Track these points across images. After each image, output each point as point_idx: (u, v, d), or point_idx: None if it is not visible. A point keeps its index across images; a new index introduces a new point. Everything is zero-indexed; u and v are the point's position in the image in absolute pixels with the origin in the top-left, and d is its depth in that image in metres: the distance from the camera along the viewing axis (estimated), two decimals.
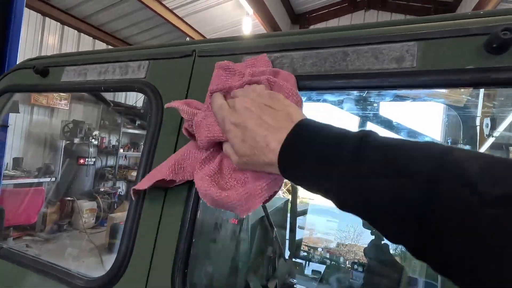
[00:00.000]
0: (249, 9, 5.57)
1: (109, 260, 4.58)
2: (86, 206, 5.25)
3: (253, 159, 0.43)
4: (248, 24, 5.77)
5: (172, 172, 0.55)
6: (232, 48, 0.66)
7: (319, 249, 3.17)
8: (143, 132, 6.72)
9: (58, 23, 5.40)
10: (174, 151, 0.65)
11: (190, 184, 0.60)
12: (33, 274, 0.71)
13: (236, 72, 0.57)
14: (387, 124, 1.98)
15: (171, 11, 5.46)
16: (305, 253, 3.15)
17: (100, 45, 6.18)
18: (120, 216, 4.93)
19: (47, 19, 5.21)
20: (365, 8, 7.19)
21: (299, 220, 3.42)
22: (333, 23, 7.45)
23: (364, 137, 0.36)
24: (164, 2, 5.24)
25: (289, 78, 0.54)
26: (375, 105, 1.70)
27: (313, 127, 0.41)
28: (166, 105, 0.60)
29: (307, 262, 3.04)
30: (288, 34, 0.63)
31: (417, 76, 0.50)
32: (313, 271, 2.84)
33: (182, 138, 0.65)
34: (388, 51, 0.52)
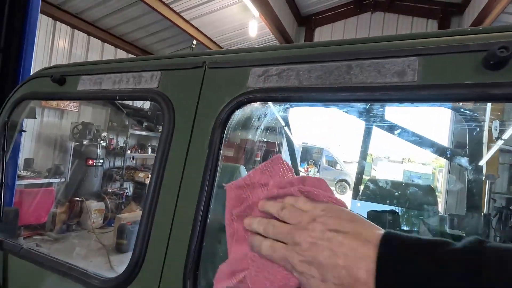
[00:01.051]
0: (255, 12, 5.62)
1: (116, 260, 4.66)
2: (94, 206, 5.35)
3: None
4: (254, 27, 5.81)
5: None
6: (241, 60, 0.70)
7: None
8: (150, 134, 6.81)
9: (69, 27, 5.52)
10: (186, 160, 0.68)
11: (201, 186, 0.64)
12: (51, 274, 0.75)
13: (253, 185, 0.49)
14: (393, 128, 1.99)
15: (178, 14, 5.54)
16: None
17: (109, 48, 6.30)
18: (127, 216, 5.01)
19: (57, 23, 5.33)
20: (371, 10, 7.17)
21: None
22: (339, 25, 7.45)
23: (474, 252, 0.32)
24: (171, 6, 5.32)
25: (319, 183, 0.46)
26: (380, 109, 1.72)
27: (399, 244, 0.36)
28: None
29: None
30: (294, 47, 0.66)
31: (418, 90, 0.52)
32: None
33: (194, 146, 0.69)
34: (390, 66, 0.55)
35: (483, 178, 4.92)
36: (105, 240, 5.15)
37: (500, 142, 4.76)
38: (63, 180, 5.16)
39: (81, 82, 0.90)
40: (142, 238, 0.66)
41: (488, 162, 4.90)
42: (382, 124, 1.98)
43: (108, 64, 0.89)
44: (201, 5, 5.49)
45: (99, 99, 0.83)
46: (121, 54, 6.60)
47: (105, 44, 6.20)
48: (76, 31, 5.69)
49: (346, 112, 1.79)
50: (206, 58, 0.74)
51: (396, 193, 1.48)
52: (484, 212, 5.20)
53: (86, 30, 5.80)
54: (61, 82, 0.93)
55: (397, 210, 1.42)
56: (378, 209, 1.42)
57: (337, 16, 7.48)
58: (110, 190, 5.80)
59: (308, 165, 13.32)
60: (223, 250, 1.76)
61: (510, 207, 5.40)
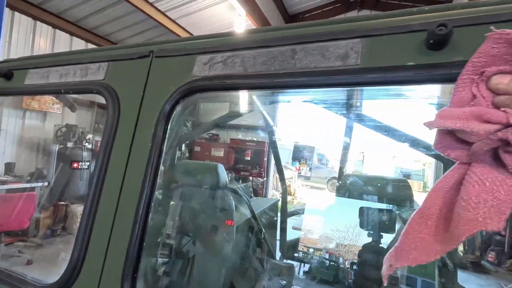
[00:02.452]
0: (241, 11, 5.57)
1: None
2: (80, 210, 5.22)
3: None
4: (241, 26, 5.77)
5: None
6: (188, 48, 0.66)
7: (311, 249, 3.15)
8: None
9: (50, 27, 5.38)
10: (129, 156, 0.64)
11: (141, 190, 0.59)
12: None
13: None
14: (372, 123, 1.97)
15: (163, 13, 5.46)
16: (303, 254, 3.12)
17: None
18: None
19: (38, 22, 5.19)
20: (358, 8, 7.20)
21: (296, 221, 3.39)
22: None
23: None
24: (156, 5, 5.23)
25: None
26: (358, 104, 1.69)
27: None
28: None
29: (304, 263, 3.01)
30: (240, 34, 0.62)
31: (361, 73, 0.49)
32: (304, 272, 2.82)
33: (137, 141, 0.64)
34: (334, 49, 0.52)
35: None
36: None
37: None
38: (46, 184, 5.02)
39: (28, 76, 0.85)
40: (81, 241, 0.61)
41: None
42: (367, 121, 1.96)
43: (56, 57, 0.84)
44: (187, 3, 5.43)
45: (44, 94, 0.78)
46: None
47: (89, 44, 6.07)
48: (58, 31, 5.56)
49: (336, 111, 1.77)
50: (153, 48, 0.70)
51: (373, 188, 1.46)
52: None
53: (69, 30, 5.66)
54: (8, 76, 0.88)
55: (389, 207, 1.41)
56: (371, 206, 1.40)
57: (325, 14, 7.49)
58: None
59: (300, 164, 13.35)
60: (197, 250, 1.69)
61: None
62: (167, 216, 1.87)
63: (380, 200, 1.42)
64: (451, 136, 0.36)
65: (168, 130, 0.62)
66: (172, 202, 1.89)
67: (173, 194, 1.92)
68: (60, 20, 5.45)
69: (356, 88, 0.50)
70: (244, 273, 1.99)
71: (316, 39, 0.53)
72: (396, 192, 1.35)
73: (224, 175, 1.86)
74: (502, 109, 0.33)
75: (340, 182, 1.66)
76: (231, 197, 1.86)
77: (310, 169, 13.05)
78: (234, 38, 0.62)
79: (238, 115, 2.09)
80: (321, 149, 13.73)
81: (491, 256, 5.12)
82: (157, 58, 0.69)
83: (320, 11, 7.58)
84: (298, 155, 13.32)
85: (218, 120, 2.08)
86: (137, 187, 0.60)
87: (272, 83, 0.55)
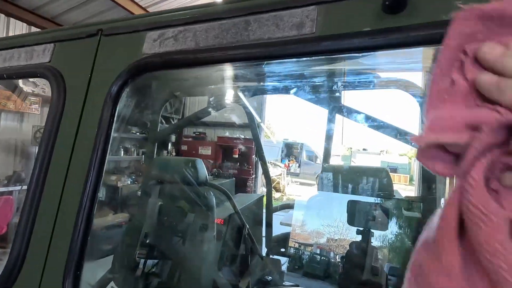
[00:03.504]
0: None
1: (88, 268, 4.41)
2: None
3: None
4: None
5: None
6: (137, 25, 0.60)
7: (295, 244, 3.13)
8: (123, 135, 6.54)
9: (24, 24, 5.16)
10: (75, 141, 0.58)
11: (84, 186, 0.54)
12: None
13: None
14: (355, 114, 1.96)
15: (145, 10, 5.32)
16: (294, 250, 3.09)
17: None
18: (98, 222, 4.76)
19: (11, 19, 4.96)
20: None
21: (285, 216, 3.36)
22: None
23: None
24: (137, 0, 5.10)
25: None
26: (337, 94, 1.67)
27: None
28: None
29: (293, 259, 2.98)
30: (191, 8, 0.57)
31: (316, 42, 0.45)
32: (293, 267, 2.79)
33: (84, 126, 0.59)
34: (289, 18, 0.48)
35: None
36: None
37: None
38: (25, 187, 4.82)
39: None
40: (21, 238, 0.55)
41: None
42: (354, 112, 1.95)
43: (1, 41, 0.77)
44: None
45: None
46: None
47: (32, 27, 5.80)
48: (33, 28, 5.33)
49: (325, 106, 1.74)
50: (102, 26, 0.64)
51: (353, 179, 1.44)
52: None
53: (44, 27, 5.44)
54: None
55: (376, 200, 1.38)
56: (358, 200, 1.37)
57: None
58: None
59: (289, 160, 13.39)
60: (179, 247, 1.64)
61: None
62: (145, 215, 1.80)
63: (360, 191, 1.40)
64: (437, 146, 0.30)
65: (116, 113, 0.57)
66: (150, 200, 1.83)
67: (151, 192, 1.86)
68: (35, 17, 5.23)
69: (312, 57, 0.46)
70: (227, 270, 1.95)
71: (270, 9, 0.49)
72: (376, 182, 1.34)
73: (203, 171, 1.80)
74: (489, 105, 0.27)
75: (322, 175, 1.64)
76: (212, 193, 1.81)
77: (299, 165, 13.11)
78: (185, 12, 0.57)
79: (216, 108, 2.04)
80: (310, 145, 13.82)
81: None
82: (106, 37, 0.63)
83: None
84: (287, 152, 13.35)
85: (199, 113, 2.03)
86: (81, 178, 0.55)
87: (225, 56, 0.51)
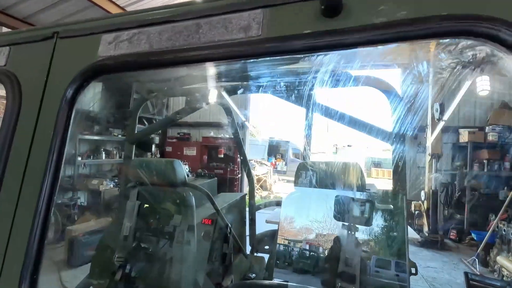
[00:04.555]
0: None
1: (69, 276, 4.29)
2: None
3: None
4: None
5: None
6: (92, 28, 0.60)
7: (281, 238, 3.16)
8: (104, 138, 6.39)
9: None
10: (31, 145, 0.58)
11: (39, 190, 0.54)
12: None
13: None
14: (330, 112, 2.00)
15: (123, 9, 5.21)
16: (283, 246, 3.11)
17: None
18: (80, 228, 4.65)
19: None
20: None
21: (271, 214, 3.38)
22: None
23: None
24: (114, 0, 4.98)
25: None
26: (311, 92, 1.71)
27: None
28: None
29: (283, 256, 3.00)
30: (147, 11, 0.58)
31: (262, 44, 0.47)
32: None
33: (40, 130, 0.58)
34: (237, 21, 0.49)
35: (429, 157, 5.29)
36: (57, 255, 4.74)
37: (441, 123, 5.14)
38: None
39: None
40: None
41: (432, 143, 5.28)
42: (327, 110, 1.98)
43: None
44: None
45: None
46: None
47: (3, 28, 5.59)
48: (4, 28, 5.11)
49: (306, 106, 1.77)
50: (58, 29, 0.64)
51: (328, 174, 1.48)
52: (432, 188, 5.60)
53: (15, 27, 5.23)
54: None
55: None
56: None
57: None
58: (60, 202, 5.35)
59: (276, 158, 13.46)
60: (155, 249, 1.62)
61: (454, 182, 5.89)
62: (124, 218, 1.78)
63: (335, 185, 1.44)
64: None
65: (72, 117, 0.57)
66: (129, 202, 1.81)
67: (130, 194, 1.84)
68: (6, 17, 5.02)
69: (259, 59, 0.48)
70: (210, 270, 1.96)
71: (220, 12, 0.51)
72: (349, 176, 1.38)
73: (182, 171, 1.80)
74: None
75: (300, 172, 1.68)
76: (191, 194, 1.81)
77: (286, 163, 13.21)
78: (140, 15, 0.58)
79: (194, 109, 2.03)
80: (296, 143, 13.94)
81: (452, 234, 5.50)
82: (62, 40, 0.63)
83: None
84: (273, 150, 13.43)
85: (173, 115, 2.01)
86: (38, 182, 0.55)
87: (177, 58, 0.52)
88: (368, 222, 1.44)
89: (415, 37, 0.39)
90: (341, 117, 1.96)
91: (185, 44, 0.52)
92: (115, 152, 6.55)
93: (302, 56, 0.55)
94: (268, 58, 0.48)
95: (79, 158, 5.99)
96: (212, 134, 7.44)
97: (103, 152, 6.41)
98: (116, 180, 6.09)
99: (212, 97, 2.02)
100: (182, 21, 0.53)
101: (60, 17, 5.33)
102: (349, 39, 0.43)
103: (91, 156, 6.31)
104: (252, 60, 0.50)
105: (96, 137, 6.31)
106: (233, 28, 0.49)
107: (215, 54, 0.49)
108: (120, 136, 6.48)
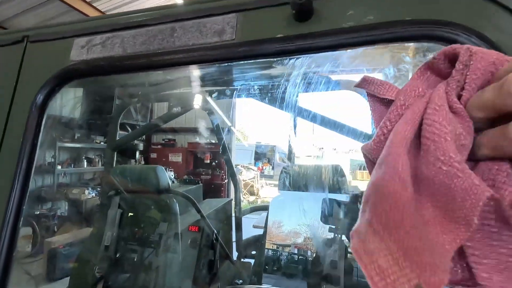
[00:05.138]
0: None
1: None
2: (19, 233, 4.65)
3: None
4: None
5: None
6: (64, 31, 0.59)
7: (275, 246, 3.15)
8: (85, 145, 6.20)
9: None
10: None
11: (7, 199, 0.51)
12: None
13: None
14: (309, 115, 2.03)
15: (102, 14, 5.12)
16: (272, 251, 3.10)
17: None
18: (59, 239, 4.46)
19: None
20: None
21: (258, 219, 3.36)
22: None
23: None
24: (94, 4, 4.89)
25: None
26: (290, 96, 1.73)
27: None
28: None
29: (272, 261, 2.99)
30: (120, 15, 0.57)
31: (236, 48, 0.48)
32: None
33: (8, 139, 0.56)
34: (211, 25, 0.50)
35: None
36: (36, 269, 4.52)
37: None
38: None
39: None
40: None
41: None
42: (307, 113, 2.01)
43: None
44: (130, 3, 5.16)
45: None
46: None
47: None
48: None
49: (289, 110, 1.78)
50: (28, 33, 0.62)
51: (310, 178, 1.50)
52: None
53: None
54: None
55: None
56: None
57: None
58: (38, 212, 5.12)
59: (262, 163, 13.48)
60: (139, 257, 1.58)
61: None
62: (105, 227, 1.73)
63: (317, 188, 1.46)
64: None
65: (42, 123, 0.55)
66: (110, 211, 1.75)
67: (111, 203, 1.79)
68: None
69: (232, 63, 0.48)
70: (195, 277, 1.92)
71: (194, 16, 0.51)
72: (331, 178, 1.40)
73: (165, 178, 1.77)
74: None
75: (283, 176, 1.69)
76: (175, 201, 1.78)
77: (273, 167, 13.25)
78: (113, 19, 0.57)
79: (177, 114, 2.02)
80: (282, 147, 14.02)
81: None
82: (32, 44, 0.61)
83: None
84: (260, 155, 13.45)
85: (156, 120, 1.98)
86: (6, 192, 0.52)
87: (151, 62, 0.51)
88: (345, 223, 1.46)
89: (381, 40, 0.40)
90: (323, 121, 1.99)
91: (159, 48, 0.51)
92: (97, 160, 6.37)
93: (275, 59, 0.56)
94: (242, 62, 0.49)
95: (59, 167, 5.79)
96: (198, 139, 7.37)
97: (85, 160, 6.21)
98: (98, 189, 5.91)
99: (196, 102, 2.01)
100: (157, 25, 0.53)
101: (37, 21, 5.17)
102: (320, 42, 0.44)
103: (72, 165, 6.11)
104: (226, 64, 0.51)
105: (77, 145, 6.12)
106: (207, 32, 0.49)
107: (190, 57, 0.49)
108: (102, 143, 6.31)
